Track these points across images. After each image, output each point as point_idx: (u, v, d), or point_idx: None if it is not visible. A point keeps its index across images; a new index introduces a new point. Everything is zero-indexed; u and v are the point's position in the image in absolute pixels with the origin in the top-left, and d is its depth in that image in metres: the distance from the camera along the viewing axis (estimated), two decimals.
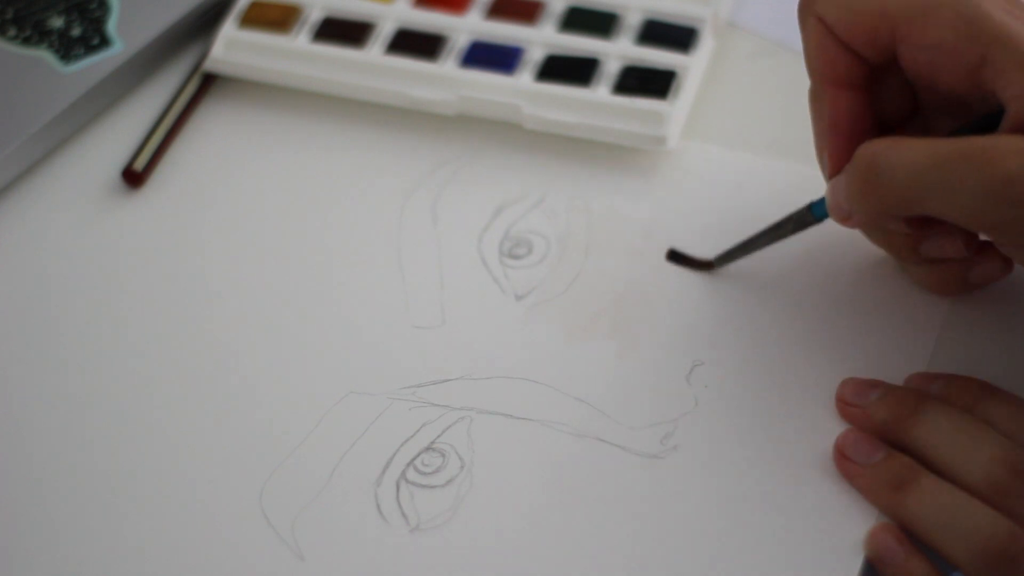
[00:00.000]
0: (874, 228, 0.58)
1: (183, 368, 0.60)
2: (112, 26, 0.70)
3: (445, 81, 0.68)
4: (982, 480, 0.53)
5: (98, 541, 0.56)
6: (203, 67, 0.70)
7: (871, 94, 0.56)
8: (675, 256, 0.62)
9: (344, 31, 0.70)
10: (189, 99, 0.69)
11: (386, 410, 0.58)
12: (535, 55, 0.69)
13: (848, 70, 0.56)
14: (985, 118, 0.53)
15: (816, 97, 0.57)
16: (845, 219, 0.55)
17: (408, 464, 0.57)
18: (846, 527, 0.54)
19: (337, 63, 0.69)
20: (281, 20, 0.70)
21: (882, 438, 0.55)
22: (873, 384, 0.57)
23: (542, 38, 0.69)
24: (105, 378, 0.60)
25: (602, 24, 0.70)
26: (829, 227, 0.58)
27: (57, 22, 0.70)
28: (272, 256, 0.64)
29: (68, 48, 0.69)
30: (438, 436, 0.57)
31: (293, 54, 0.69)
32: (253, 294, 0.63)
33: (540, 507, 0.55)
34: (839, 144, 0.56)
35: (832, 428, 0.56)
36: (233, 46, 0.70)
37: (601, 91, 0.67)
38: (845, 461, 0.55)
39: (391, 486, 0.56)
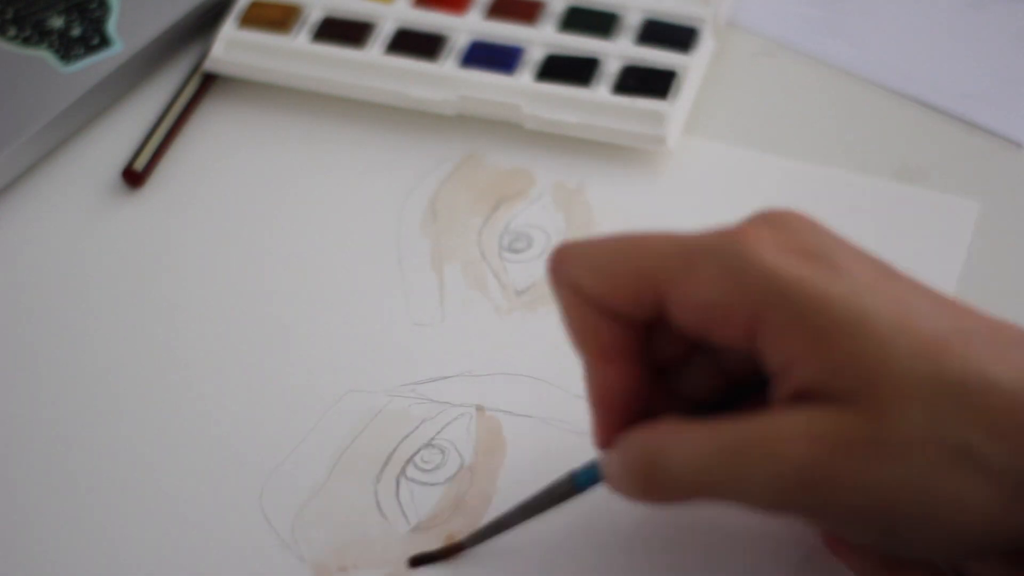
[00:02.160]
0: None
1: (183, 367, 0.60)
2: (112, 26, 0.70)
3: (445, 81, 0.68)
4: None
5: (98, 541, 0.56)
6: (203, 67, 0.70)
7: (640, 355, 0.50)
8: (418, 560, 0.54)
9: (344, 31, 0.70)
10: (189, 99, 0.69)
11: (385, 407, 0.58)
12: (535, 55, 0.69)
13: (613, 338, 0.49)
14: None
15: (584, 367, 0.50)
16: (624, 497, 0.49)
17: (408, 461, 0.57)
18: None
19: (337, 63, 0.69)
20: (281, 20, 0.70)
21: None
22: None
23: (542, 38, 0.69)
24: (105, 378, 0.60)
25: (602, 24, 0.70)
26: None
27: (57, 22, 0.70)
28: (272, 255, 0.64)
29: (68, 48, 0.69)
30: (438, 432, 0.57)
31: (293, 54, 0.69)
32: (253, 293, 0.63)
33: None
34: (607, 420, 0.50)
35: None
36: (233, 46, 0.70)
37: (601, 91, 0.67)
38: (837, 542, 0.52)
39: (391, 483, 0.56)
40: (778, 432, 0.45)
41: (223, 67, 0.70)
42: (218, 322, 0.62)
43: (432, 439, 0.57)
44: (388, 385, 0.59)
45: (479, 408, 0.58)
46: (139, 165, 0.67)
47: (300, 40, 0.70)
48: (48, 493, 0.57)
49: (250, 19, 0.71)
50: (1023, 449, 0.44)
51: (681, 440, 0.47)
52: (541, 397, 0.58)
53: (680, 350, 0.51)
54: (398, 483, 0.56)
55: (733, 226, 0.47)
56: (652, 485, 0.48)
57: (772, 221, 0.47)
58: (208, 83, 0.70)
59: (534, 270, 0.63)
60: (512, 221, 0.64)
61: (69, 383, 0.60)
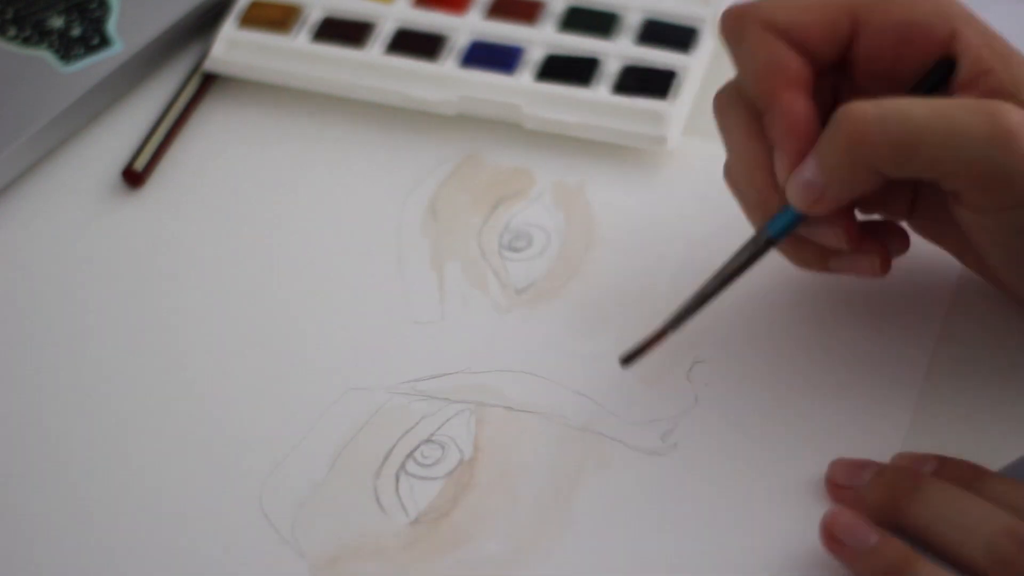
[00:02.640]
0: (844, 197, 0.55)
1: (184, 365, 0.60)
2: (112, 26, 0.70)
3: (445, 81, 0.68)
4: (987, 556, 0.51)
5: (99, 538, 0.55)
6: (203, 67, 0.70)
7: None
8: (629, 358, 0.57)
9: (344, 31, 0.70)
10: (189, 99, 0.69)
11: (385, 404, 0.58)
12: (535, 55, 0.69)
13: (799, 72, 0.55)
14: (931, 75, 0.55)
15: (765, 108, 0.56)
16: (815, 201, 0.54)
17: (407, 456, 0.57)
18: None
19: (337, 63, 0.69)
20: (281, 20, 0.70)
21: (875, 519, 0.53)
22: (864, 464, 0.54)
23: (542, 38, 0.70)
24: (105, 376, 0.60)
25: (602, 24, 0.70)
26: None
27: (57, 22, 0.70)
28: (272, 254, 0.64)
29: (68, 48, 0.69)
30: (438, 428, 0.57)
31: (293, 54, 0.69)
32: (254, 293, 0.63)
33: (539, 499, 0.55)
34: (798, 150, 0.55)
35: (833, 428, 0.56)
36: (233, 46, 0.70)
37: (601, 91, 0.67)
38: (835, 543, 0.52)
39: (390, 478, 0.56)
40: (995, 103, 0.52)
41: (223, 67, 0.70)
42: (219, 321, 0.62)
43: (432, 435, 0.57)
44: (388, 383, 0.59)
45: (479, 404, 0.58)
46: (139, 165, 0.67)
47: (300, 40, 0.70)
48: (48, 492, 0.57)
49: (250, 19, 0.71)
50: None
51: (893, 102, 0.52)
52: (541, 393, 0.58)
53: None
54: (397, 478, 0.56)
55: None
56: (860, 142, 0.52)
57: None
58: (208, 83, 0.70)
59: (534, 268, 0.63)
60: (512, 220, 0.64)
61: (69, 382, 0.60)
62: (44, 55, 0.69)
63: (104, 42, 0.70)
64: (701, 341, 0.59)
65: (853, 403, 0.57)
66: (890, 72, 0.55)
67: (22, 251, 0.65)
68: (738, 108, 0.57)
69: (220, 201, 0.66)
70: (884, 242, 0.57)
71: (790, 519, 0.54)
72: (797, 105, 0.55)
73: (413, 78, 0.68)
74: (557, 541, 0.54)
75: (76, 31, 0.70)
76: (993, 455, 0.55)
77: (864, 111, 0.52)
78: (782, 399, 0.57)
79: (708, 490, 0.55)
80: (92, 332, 0.62)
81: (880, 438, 0.56)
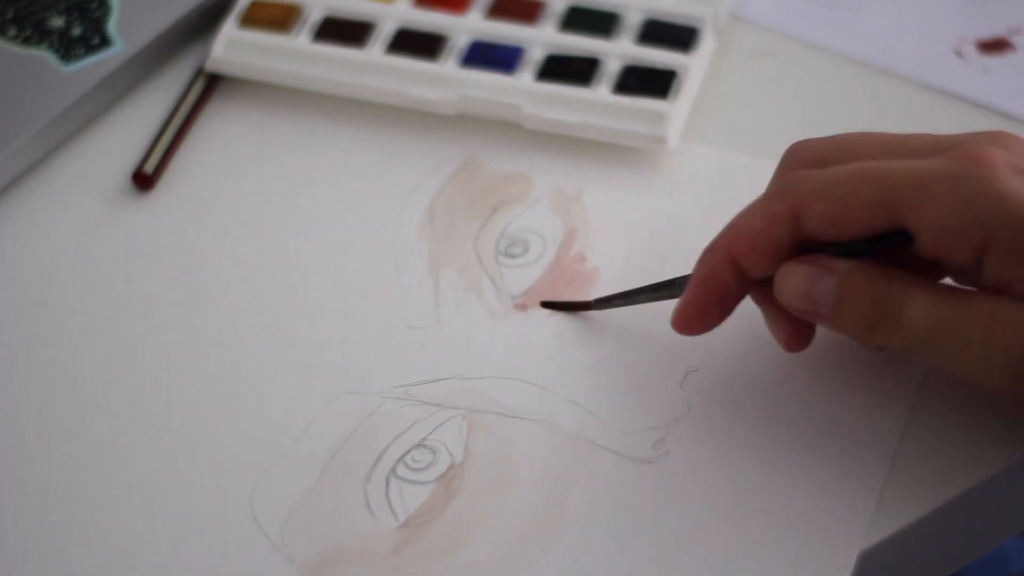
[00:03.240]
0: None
1: (187, 370, 0.60)
2: (112, 26, 0.70)
3: (445, 81, 0.68)
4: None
5: (88, 539, 0.56)
6: (204, 67, 0.70)
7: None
8: (549, 305, 0.61)
9: (344, 31, 0.70)
10: (195, 100, 0.69)
11: (378, 409, 0.58)
12: (535, 55, 0.69)
13: (790, 248, 0.53)
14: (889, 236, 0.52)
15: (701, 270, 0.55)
16: (807, 313, 0.54)
17: (398, 460, 0.57)
18: (838, 535, 0.54)
19: (337, 63, 0.69)
20: (281, 20, 0.70)
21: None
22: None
23: (542, 38, 0.69)
24: (101, 378, 0.60)
25: (602, 24, 0.70)
26: None
27: (57, 22, 0.70)
28: (273, 257, 0.64)
29: (68, 48, 0.70)
30: (429, 433, 0.57)
31: (294, 54, 0.69)
32: (253, 295, 0.63)
33: (528, 506, 0.55)
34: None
35: (826, 436, 0.56)
36: (234, 46, 0.70)
37: (602, 91, 0.67)
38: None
39: (380, 482, 0.56)
40: (1002, 317, 0.50)
41: (224, 67, 0.70)
42: (218, 323, 0.62)
43: (423, 439, 0.57)
44: (382, 387, 0.59)
45: (471, 410, 0.58)
46: (149, 168, 0.67)
47: (301, 40, 0.70)
48: (46, 493, 0.57)
49: (250, 19, 0.71)
50: None
51: (915, 292, 0.51)
52: (533, 400, 0.58)
53: None
54: (388, 482, 0.56)
55: (963, 148, 0.50)
56: (879, 326, 0.52)
57: (997, 141, 0.50)
58: (213, 84, 0.70)
59: (530, 275, 0.62)
60: (509, 226, 0.64)
61: (70, 384, 0.60)
62: (44, 55, 0.69)
63: (104, 42, 0.70)
64: (695, 350, 0.59)
65: (847, 411, 0.57)
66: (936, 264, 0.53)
67: (23, 252, 0.65)
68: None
69: (227, 203, 0.66)
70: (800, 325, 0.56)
71: (782, 527, 0.54)
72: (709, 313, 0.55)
73: (413, 78, 0.68)
74: (546, 549, 0.54)
75: (76, 31, 0.70)
76: (987, 463, 0.55)
77: (893, 298, 0.52)
78: (775, 407, 0.57)
79: (700, 499, 0.55)
80: (89, 332, 0.62)
81: (873, 446, 0.56)
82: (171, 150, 0.68)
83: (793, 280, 0.53)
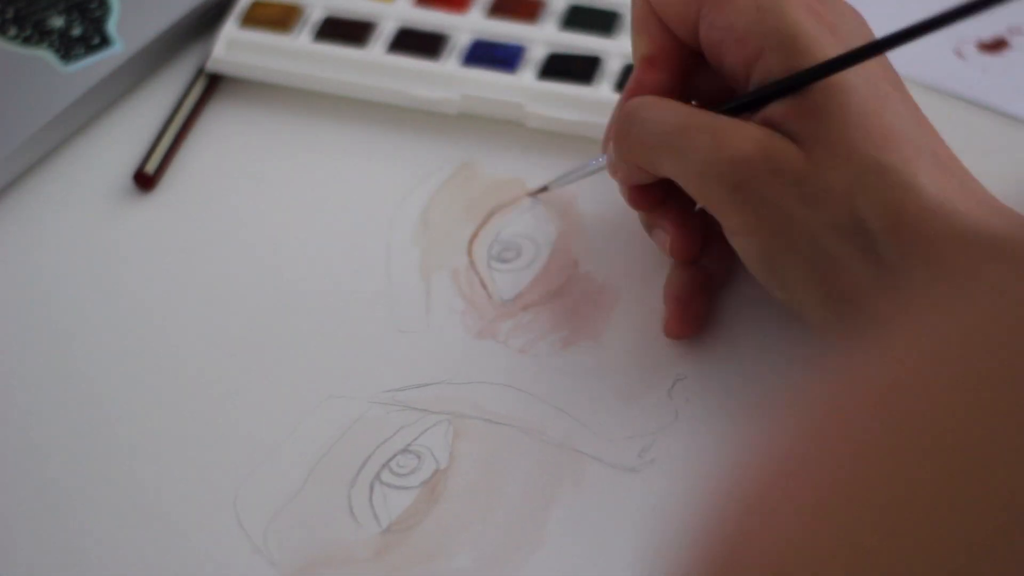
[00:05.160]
0: (630, 183, 0.58)
1: (178, 370, 0.60)
2: (112, 26, 0.70)
3: (447, 80, 0.68)
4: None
5: (70, 541, 0.56)
6: (205, 67, 0.70)
7: (682, 82, 0.58)
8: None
9: (345, 30, 0.70)
10: (196, 100, 0.69)
11: (364, 414, 0.58)
12: (537, 53, 0.68)
13: (662, 48, 0.57)
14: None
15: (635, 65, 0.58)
16: (613, 171, 0.58)
17: (383, 466, 0.56)
18: None
19: (339, 63, 0.69)
20: (282, 20, 0.70)
21: None
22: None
23: (544, 36, 0.69)
24: (107, 379, 0.60)
25: (604, 22, 0.69)
26: None
27: (57, 22, 0.71)
28: (271, 257, 0.64)
29: (68, 48, 0.70)
30: (415, 439, 0.57)
31: (294, 54, 0.69)
32: (247, 296, 0.63)
33: (513, 514, 0.55)
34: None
35: None
36: (234, 46, 0.70)
37: (603, 89, 0.67)
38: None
39: (364, 487, 0.56)
40: (735, 129, 0.52)
41: (224, 67, 0.70)
42: (212, 323, 0.62)
43: (409, 445, 0.57)
44: (369, 391, 0.59)
45: (457, 416, 0.58)
46: (151, 168, 0.67)
47: (301, 40, 0.70)
48: (46, 494, 0.57)
49: (251, 19, 0.70)
50: (908, 251, 0.50)
51: (660, 106, 0.55)
52: (520, 407, 0.58)
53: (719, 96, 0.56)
54: (372, 487, 0.56)
55: None
56: (625, 137, 0.56)
57: None
58: (214, 84, 0.70)
59: (520, 279, 0.62)
60: (503, 231, 0.64)
61: (63, 384, 0.60)
62: (44, 55, 0.69)
63: (104, 42, 0.70)
64: (684, 357, 0.58)
65: None
66: (720, 68, 0.56)
67: (23, 252, 0.65)
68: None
69: (227, 204, 0.66)
70: (686, 227, 0.58)
71: None
72: (645, 77, 0.57)
73: (415, 77, 0.68)
74: (529, 556, 0.54)
75: (76, 31, 0.70)
76: None
77: (633, 109, 0.55)
78: (763, 415, 0.56)
79: (685, 506, 0.54)
80: (93, 335, 0.62)
81: None
82: (172, 150, 0.68)
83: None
